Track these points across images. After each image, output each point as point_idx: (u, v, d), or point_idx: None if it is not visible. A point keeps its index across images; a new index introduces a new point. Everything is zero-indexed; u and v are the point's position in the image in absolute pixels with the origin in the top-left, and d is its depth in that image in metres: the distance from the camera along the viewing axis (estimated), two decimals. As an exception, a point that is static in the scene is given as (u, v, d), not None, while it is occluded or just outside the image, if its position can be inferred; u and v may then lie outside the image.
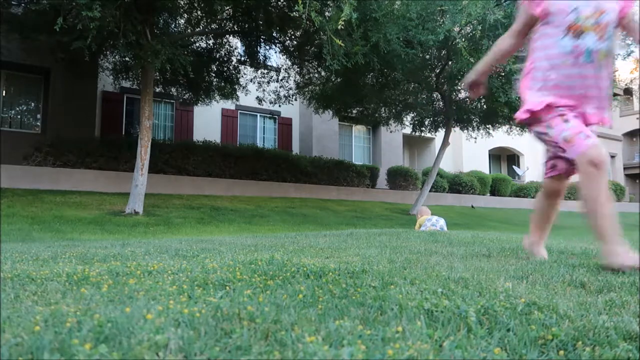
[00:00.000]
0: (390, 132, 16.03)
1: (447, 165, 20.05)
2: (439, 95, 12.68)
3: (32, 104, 12.92)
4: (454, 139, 19.39)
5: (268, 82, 12.78)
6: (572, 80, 2.00)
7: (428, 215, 6.00)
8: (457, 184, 18.20)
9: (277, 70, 12.80)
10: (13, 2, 9.70)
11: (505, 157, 24.83)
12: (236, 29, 10.68)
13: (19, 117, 12.84)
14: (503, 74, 9.58)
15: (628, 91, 22.33)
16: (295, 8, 6.67)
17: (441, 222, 5.65)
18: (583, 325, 1.07)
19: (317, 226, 8.75)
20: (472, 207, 16.78)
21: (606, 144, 26.35)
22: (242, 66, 12.31)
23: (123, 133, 13.45)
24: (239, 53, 12.48)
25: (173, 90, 12.48)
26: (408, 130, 15.42)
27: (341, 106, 13.51)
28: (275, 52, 12.42)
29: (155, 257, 2.07)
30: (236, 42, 12.39)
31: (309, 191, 13.79)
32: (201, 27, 10.56)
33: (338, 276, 1.57)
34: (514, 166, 23.37)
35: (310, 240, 3.29)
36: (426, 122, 14.17)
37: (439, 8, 8.92)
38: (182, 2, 9.42)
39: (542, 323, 1.07)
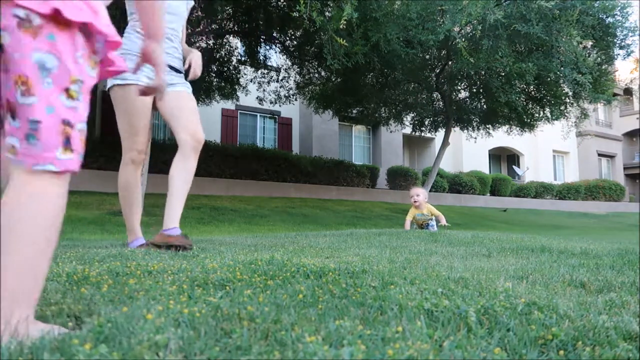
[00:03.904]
0: (390, 132, 16.03)
1: (447, 165, 20.06)
2: (439, 95, 12.68)
3: (32, 104, 12.92)
4: (454, 139, 19.39)
5: (268, 82, 12.78)
6: None
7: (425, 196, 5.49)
8: (457, 184, 18.20)
9: (277, 70, 12.80)
10: (13, 2, 9.69)
11: (505, 157, 24.84)
12: (236, 29, 10.67)
13: (19, 117, 12.85)
14: (503, 74, 9.58)
15: (628, 91, 22.31)
16: (297, 8, 6.66)
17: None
18: (583, 325, 1.07)
19: (317, 226, 8.75)
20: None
21: (606, 144, 26.38)
22: (242, 66, 12.30)
23: (123, 133, 13.43)
24: (239, 53, 12.48)
25: (173, 90, 12.46)
26: (408, 130, 15.42)
27: (341, 106, 13.51)
28: (275, 52, 12.42)
29: (155, 257, 2.07)
30: (236, 42, 12.38)
31: (309, 191, 13.78)
32: (201, 27, 10.55)
33: (338, 276, 1.57)
34: (514, 166, 23.37)
35: (310, 240, 3.29)
36: (426, 122, 14.17)
37: (439, 8, 8.92)
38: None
39: (542, 323, 1.07)
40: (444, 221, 5.36)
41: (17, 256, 0.91)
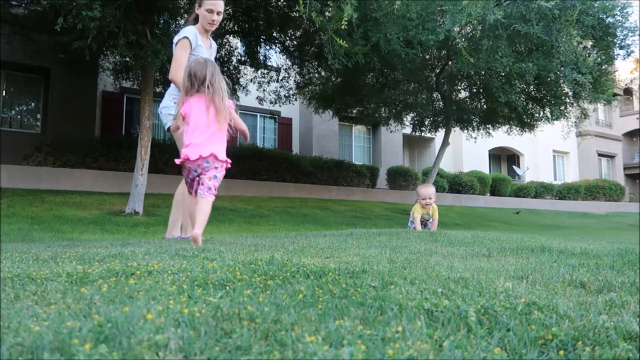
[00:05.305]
0: (390, 132, 16.03)
1: (447, 165, 20.05)
2: (439, 95, 12.68)
3: (32, 104, 12.91)
4: (454, 139, 19.39)
5: (268, 82, 12.77)
6: None
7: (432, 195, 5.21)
8: (457, 184, 18.20)
9: (277, 70, 12.79)
10: (14, 3, 9.70)
11: (505, 157, 24.83)
12: (236, 29, 10.67)
13: (19, 117, 12.84)
14: (503, 74, 9.58)
15: (628, 91, 22.32)
16: (296, 8, 6.67)
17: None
18: (583, 325, 1.07)
19: (317, 226, 8.74)
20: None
21: (606, 144, 26.37)
22: (242, 66, 12.30)
23: (123, 133, 13.44)
24: (239, 53, 12.48)
25: (173, 90, 12.48)
26: (408, 130, 15.42)
27: (341, 106, 13.51)
28: (275, 52, 12.42)
29: (155, 257, 2.07)
30: (236, 42, 12.38)
31: (309, 191, 13.78)
32: (201, 27, 10.54)
33: (338, 276, 1.57)
34: (514, 166, 23.37)
35: (310, 240, 3.29)
36: (426, 122, 14.16)
37: (439, 8, 8.92)
38: (182, 2, 9.42)
39: (542, 323, 1.07)
40: (434, 226, 5.16)
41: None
